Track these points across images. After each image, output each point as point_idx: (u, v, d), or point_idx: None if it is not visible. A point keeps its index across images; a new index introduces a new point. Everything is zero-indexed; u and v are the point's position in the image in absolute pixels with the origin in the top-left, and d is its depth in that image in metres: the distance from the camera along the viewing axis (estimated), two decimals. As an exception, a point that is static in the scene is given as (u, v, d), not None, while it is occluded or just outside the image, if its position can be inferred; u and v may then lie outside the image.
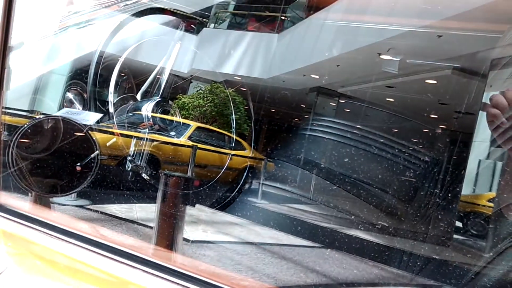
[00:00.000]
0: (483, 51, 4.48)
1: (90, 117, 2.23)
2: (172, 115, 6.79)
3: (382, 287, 3.25)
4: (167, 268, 1.24)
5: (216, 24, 9.74)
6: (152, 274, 1.21)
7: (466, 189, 4.82)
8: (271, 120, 7.78)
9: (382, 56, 5.61)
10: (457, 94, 5.11)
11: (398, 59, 5.23)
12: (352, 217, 4.55)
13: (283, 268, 3.61)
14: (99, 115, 2.46)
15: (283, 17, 8.91)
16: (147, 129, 3.81)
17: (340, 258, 3.74)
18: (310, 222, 4.97)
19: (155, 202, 2.48)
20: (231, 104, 7.24)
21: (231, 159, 5.94)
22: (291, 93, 7.94)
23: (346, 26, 5.90)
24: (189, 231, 3.86)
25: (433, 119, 6.39)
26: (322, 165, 5.03)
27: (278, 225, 4.38)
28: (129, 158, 3.83)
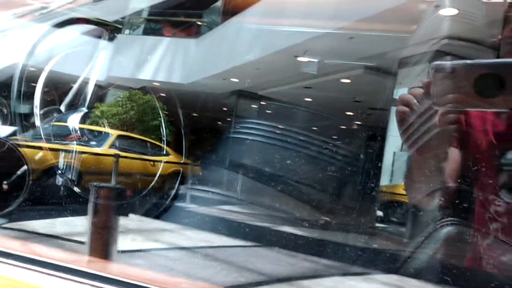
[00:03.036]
0: (392, 50, 4.79)
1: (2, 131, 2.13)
2: (91, 125, 6.58)
3: (315, 279, 3.38)
4: (103, 277, 1.23)
5: (130, 31, 9.56)
6: (88, 284, 1.20)
7: (384, 180, 5.13)
8: (194, 124, 7.77)
9: (299, 58, 5.82)
10: (370, 92, 5.41)
11: (316, 61, 5.45)
12: (281, 213, 4.68)
13: (216, 269, 3.63)
14: (12, 128, 2.36)
15: (199, 23, 8.94)
16: (73, 141, 3.68)
17: (273, 255, 3.83)
18: (240, 222, 5.03)
19: (81, 215, 2.41)
20: (151, 110, 7.15)
21: (154, 165, 5.86)
22: (213, 97, 7.99)
23: (262, 30, 6.04)
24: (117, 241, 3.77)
25: (349, 116, 6.74)
26: (248, 166, 5.13)
27: (209, 227, 4.41)
28: (58, 171, 3.68)
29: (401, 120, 0.66)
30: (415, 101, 0.65)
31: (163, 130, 6.98)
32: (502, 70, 0.53)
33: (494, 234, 0.67)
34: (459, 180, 0.73)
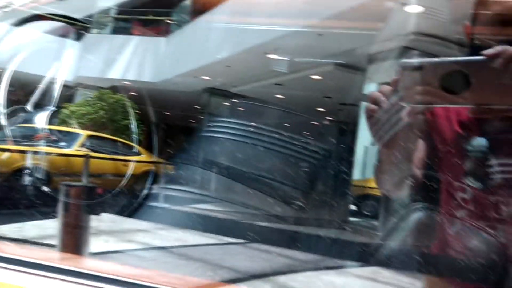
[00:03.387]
0: (361, 47, 4.86)
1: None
2: (60, 125, 6.46)
3: (291, 274, 3.41)
4: (77, 272, 1.22)
5: (99, 30, 9.42)
6: (61, 279, 1.18)
7: (356, 174, 5.20)
8: (166, 123, 7.72)
9: (269, 56, 5.85)
10: (340, 88, 5.47)
11: (286, 58, 5.49)
12: (255, 210, 4.69)
13: (191, 268, 3.62)
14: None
15: (169, 21, 8.87)
16: (41, 141, 3.61)
17: (248, 252, 3.84)
18: (214, 219, 5.02)
19: (52, 218, 2.37)
20: (122, 110, 7.08)
21: (126, 165, 5.80)
22: (184, 95, 7.94)
23: (232, 28, 6.04)
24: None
25: (320, 112, 6.81)
26: (222, 163, 5.13)
27: (183, 226, 4.39)
28: (26, 173, 3.61)
29: (370, 117, 0.68)
30: (383, 98, 0.67)
31: (134, 130, 6.92)
32: (468, 67, 0.54)
33: (461, 220, 0.70)
34: (426, 170, 0.75)
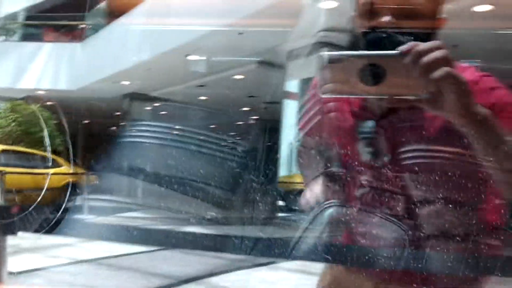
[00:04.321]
0: (280, 44, 4.93)
1: None
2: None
3: (223, 274, 3.39)
4: None
5: (6, 37, 8.94)
6: None
7: (282, 171, 5.28)
8: (87, 132, 7.45)
9: (190, 58, 5.79)
10: (263, 86, 5.53)
11: (205, 59, 5.46)
12: (184, 214, 4.63)
13: (122, 278, 3.52)
14: None
15: (83, 25, 8.56)
16: None
17: (179, 257, 3.78)
18: (142, 227, 4.89)
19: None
20: (38, 121, 6.74)
21: (46, 178, 5.53)
22: (105, 101, 7.68)
23: (151, 30, 5.94)
24: (10, 263, 3.51)
25: (245, 111, 6.85)
26: (147, 170, 5.02)
27: (110, 236, 4.24)
28: None
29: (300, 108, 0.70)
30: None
31: (52, 141, 6.61)
32: (383, 61, 0.57)
33: (365, 206, 0.72)
34: (333, 163, 0.77)
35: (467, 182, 0.67)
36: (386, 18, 0.65)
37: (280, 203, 5.24)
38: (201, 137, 4.40)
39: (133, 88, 7.33)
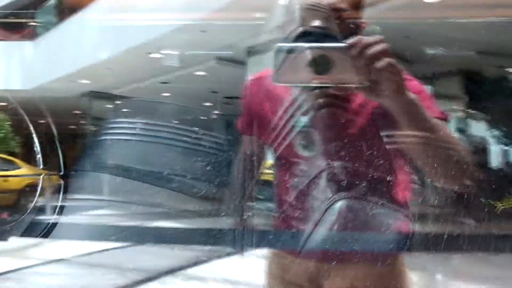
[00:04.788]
0: (241, 40, 5.00)
1: None
2: None
3: (199, 265, 3.45)
4: None
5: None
6: None
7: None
8: (45, 131, 7.25)
9: (152, 55, 5.76)
10: (225, 82, 5.58)
11: (171, 55, 5.45)
12: (156, 208, 4.64)
13: (97, 275, 3.50)
14: None
15: (34, 23, 8.30)
16: None
17: (153, 250, 3.79)
18: (114, 223, 4.85)
19: None
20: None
21: (7, 180, 5.39)
22: (63, 100, 7.49)
23: (110, 27, 5.85)
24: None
25: (207, 106, 6.89)
26: (113, 165, 4.97)
27: (81, 235, 4.22)
28: None
29: None
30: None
31: (8, 142, 6.43)
32: (331, 52, 0.63)
33: (300, 194, 0.80)
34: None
35: (383, 165, 0.77)
36: (315, 23, 0.73)
37: (257, 194, 5.30)
38: (171, 130, 4.43)
39: (93, 87, 7.20)
